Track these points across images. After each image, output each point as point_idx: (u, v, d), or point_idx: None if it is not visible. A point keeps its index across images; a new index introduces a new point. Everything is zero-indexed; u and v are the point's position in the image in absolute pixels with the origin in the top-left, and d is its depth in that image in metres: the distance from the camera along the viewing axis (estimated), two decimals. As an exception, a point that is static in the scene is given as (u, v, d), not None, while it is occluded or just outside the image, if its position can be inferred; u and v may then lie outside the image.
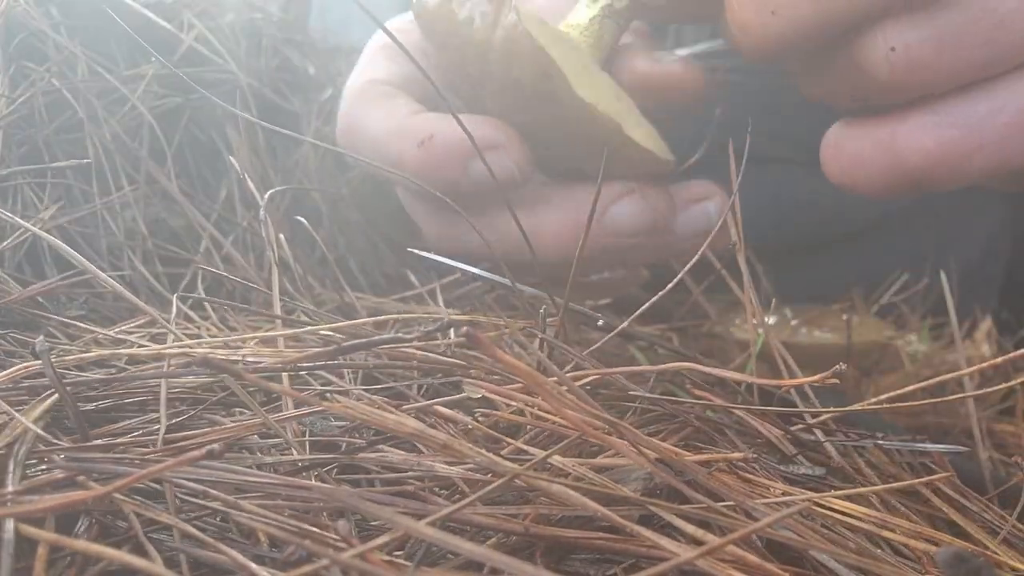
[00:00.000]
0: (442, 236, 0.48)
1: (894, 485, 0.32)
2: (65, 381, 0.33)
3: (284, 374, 0.35)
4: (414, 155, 0.42)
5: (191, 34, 0.67)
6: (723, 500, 0.27)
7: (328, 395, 0.34)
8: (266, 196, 0.52)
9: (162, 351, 0.38)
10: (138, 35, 0.63)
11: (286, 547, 0.24)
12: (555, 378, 0.28)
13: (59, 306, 0.48)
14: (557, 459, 0.28)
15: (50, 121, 0.58)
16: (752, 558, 0.24)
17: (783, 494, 0.30)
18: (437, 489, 0.31)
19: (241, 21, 0.74)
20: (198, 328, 0.45)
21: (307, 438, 0.33)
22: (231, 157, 0.61)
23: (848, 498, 0.30)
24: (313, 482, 0.25)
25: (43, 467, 0.27)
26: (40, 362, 0.33)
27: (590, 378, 0.35)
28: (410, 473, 0.31)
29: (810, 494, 0.30)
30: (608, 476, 0.28)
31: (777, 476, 0.32)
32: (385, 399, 0.34)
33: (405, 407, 0.33)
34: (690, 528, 0.24)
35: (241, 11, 0.75)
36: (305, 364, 0.34)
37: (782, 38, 0.34)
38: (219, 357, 0.36)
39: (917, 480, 0.33)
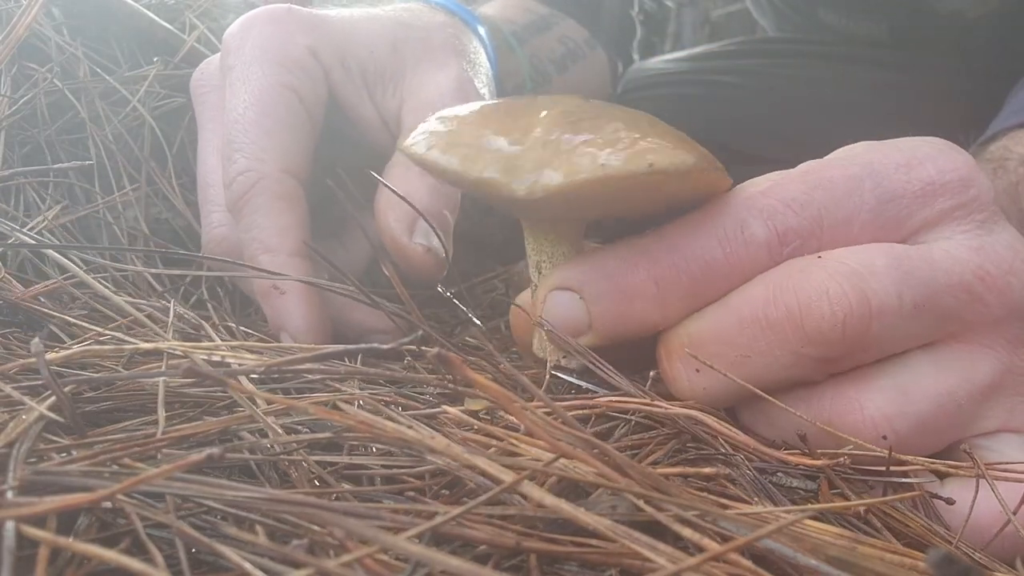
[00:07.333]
0: None
1: (868, 501, 0.32)
2: (65, 381, 0.33)
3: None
4: None
5: (193, 35, 0.67)
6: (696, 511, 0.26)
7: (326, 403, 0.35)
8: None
9: (161, 352, 0.38)
10: (140, 36, 0.64)
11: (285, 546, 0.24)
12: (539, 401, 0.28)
13: (61, 305, 0.48)
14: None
15: (52, 122, 0.58)
16: (746, 563, 0.24)
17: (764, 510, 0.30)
18: (437, 488, 0.31)
19: (242, 22, 0.74)
20: (198, 329, 0.45)
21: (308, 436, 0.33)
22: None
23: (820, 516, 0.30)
24: (294, 494, 0.25)
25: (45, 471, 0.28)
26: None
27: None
28: (409, 471, 0.31)
29: (792, 507, 0.30)
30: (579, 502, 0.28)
31: (754, 490, 0.32)
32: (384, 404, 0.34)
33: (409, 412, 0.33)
34: (687, 532, 0.24)
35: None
36: (285, 368, 0.34)
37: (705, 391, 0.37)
38: (208, 363, 0.36)
39: (884, 499, 0.33)
